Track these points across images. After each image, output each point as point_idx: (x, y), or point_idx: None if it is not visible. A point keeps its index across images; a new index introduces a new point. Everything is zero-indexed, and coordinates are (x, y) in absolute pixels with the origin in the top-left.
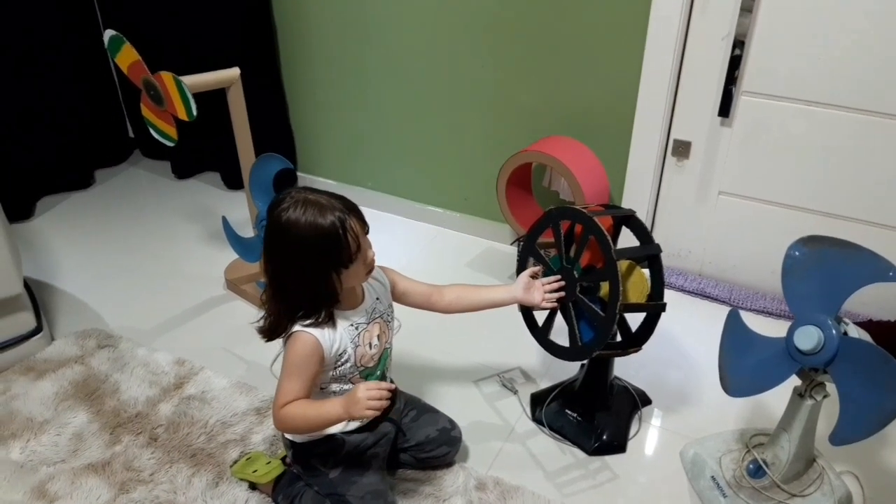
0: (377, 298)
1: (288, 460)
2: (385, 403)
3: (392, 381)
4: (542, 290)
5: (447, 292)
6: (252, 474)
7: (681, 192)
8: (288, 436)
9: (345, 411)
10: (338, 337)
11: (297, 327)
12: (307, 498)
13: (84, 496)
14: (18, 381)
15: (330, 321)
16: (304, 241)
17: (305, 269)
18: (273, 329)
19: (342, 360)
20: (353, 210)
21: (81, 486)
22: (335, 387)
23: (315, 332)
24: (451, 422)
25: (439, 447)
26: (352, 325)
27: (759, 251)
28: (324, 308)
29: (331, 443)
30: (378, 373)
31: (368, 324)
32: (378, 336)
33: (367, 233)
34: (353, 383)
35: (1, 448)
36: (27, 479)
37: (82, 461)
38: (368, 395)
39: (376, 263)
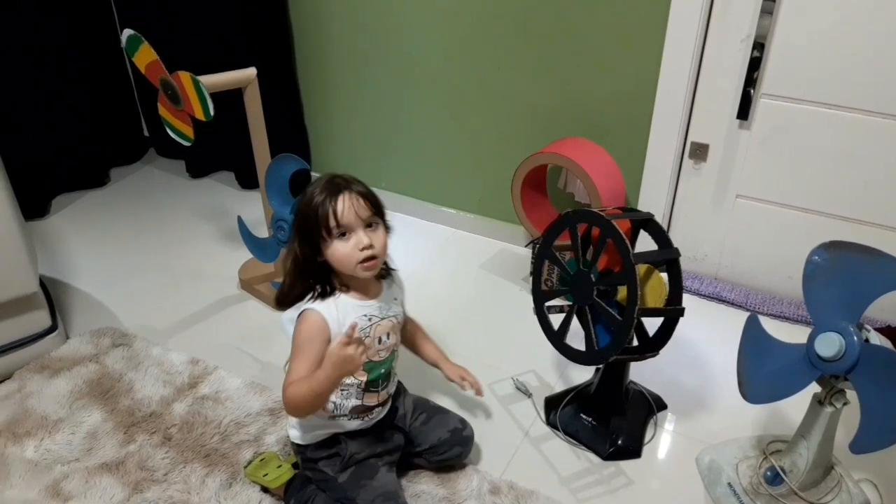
0: (395, 298)
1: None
2: (360, 349)
3: (399, 383)
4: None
5: (413, 326)
6: (263, 478)
7: (698, 195)
8: (294, 439)
9: (334, 371)
10: (352, 320)
11: (305, 305)
12: (319, 501)
13: (98, 495)
14: (33, 380)
15: (333, 295)
16: (301, 208)
17: (299, 233)
18: (283, 297)
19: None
20: (347, 192)
21: (95, 485)
22: None
23: (323, 310)
24: (463, 421)
25: (452, 448)
26: (365, 315)
27: (777, 255)
28: (320, 281)
29: (333, 446)
30: (383, 370)
31: (382, 319)
32: (388, 334)
33: (368, 224)
34: (354, 375)
35: (15, 446)
36: (41, 478)
37: (96, 460)
38: (349, 351)
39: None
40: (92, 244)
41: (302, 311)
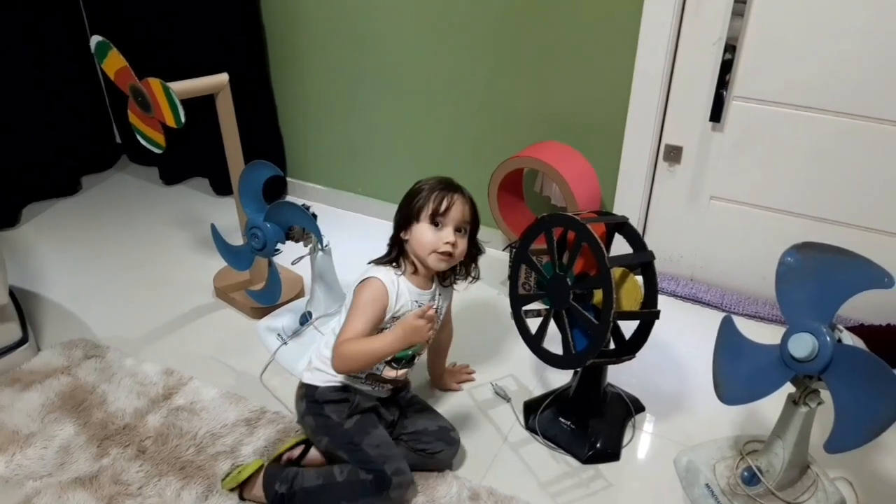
0: (439, 294)
1: (298, 431)
2: (433, 322)
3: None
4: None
5: (448, 334)
6: (238, 476)
7: (672, 198)
8: (307, 380)
9: (403, 340)
10: (404, 301)
11: (372, 273)
12: (309, 476)
13: None
14: (4, 393)
15: (398, 271)
16: (411, 189)
17: (399, 208)
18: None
19: (396, 321)
20: (460, 195)
21: (68, 500)
22: None
23: (386, 282)
24: (452, 425)
25: (437, 441)
26: (416, 301)
27: (751, 256)
28: (396, 252)
29: (344, 392)
30: (410, 351)
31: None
32: None
33: (458, 229)
34: None
35: None
36: (13, 494)
37: (69, 475)
38: (421, 323)
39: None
40: (63, 254)
41: (368, 278)
